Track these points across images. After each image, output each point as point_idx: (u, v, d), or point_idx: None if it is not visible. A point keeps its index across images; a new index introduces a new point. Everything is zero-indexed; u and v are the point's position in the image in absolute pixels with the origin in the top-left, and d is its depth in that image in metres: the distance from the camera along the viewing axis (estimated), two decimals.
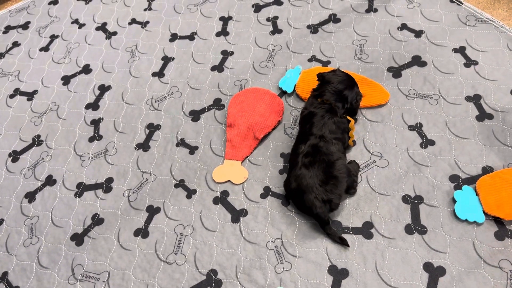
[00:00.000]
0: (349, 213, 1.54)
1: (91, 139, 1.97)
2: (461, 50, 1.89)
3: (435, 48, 1.92)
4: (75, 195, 1.80)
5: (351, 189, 1.53)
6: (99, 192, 1.79)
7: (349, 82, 1.65)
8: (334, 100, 1.60)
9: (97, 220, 1.71)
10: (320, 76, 1.70)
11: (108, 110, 2.05)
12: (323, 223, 1.46)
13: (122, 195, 1.76)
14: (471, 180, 1.53)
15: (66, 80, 2.24)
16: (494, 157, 1.57)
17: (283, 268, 1.47)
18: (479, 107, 1.71)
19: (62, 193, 1.82)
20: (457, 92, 1.76)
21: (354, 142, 1.69)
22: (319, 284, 1.42)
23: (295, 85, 1.90)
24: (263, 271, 1.47)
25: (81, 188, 1.81)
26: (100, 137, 1.96)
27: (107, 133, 1.97)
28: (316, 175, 1.45)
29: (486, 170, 1.55)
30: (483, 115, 1.68)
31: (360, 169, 1.63)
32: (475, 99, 1.73)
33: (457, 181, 1.54)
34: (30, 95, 2.22)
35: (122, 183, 1.79)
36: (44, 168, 1.91)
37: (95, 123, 2.02)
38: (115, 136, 1.95)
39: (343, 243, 1.45)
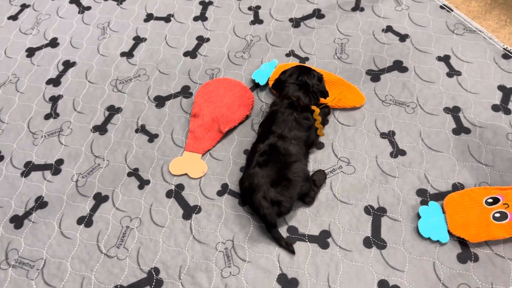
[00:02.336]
0: (308, 220, 1.44)
1: (47, 117, 1.84)
2: (445, 59, 1.79)
3: (419, 54, 1.82)
4: (22, 174, 1.68)
5: (307, 197, 1.43)
6: (47, 173, 1.67)
7: (302, 68, 1.58)
8: (293, 91, 1.50)
9: (40, 203, 1.59)
10: (274, 83, 1.62)
11: (70, 88, 1.93)
12: (269, 225, 1.36)
13: (71, 179, 1.64)
14: (439, 196, 1.44)
15: (30, 52, 2.11)
16: (466, 174, 1.48)
17: (230, 273, 1.36)
18: (457, 120, 1.61)
19: (8, 171, 1.70)
20: (436, 102, 1.67)
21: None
22: None
23: (268, 78, 1.79)
24: (208, 274, 1.37)
25: (29, 168, 1.69)
26: (57, 115, 1.84)
27: (65, 111, 1.85)
28: (268, 175, 1.35)
29: (457, 187, 1.46)
30: (460, 129, 1.59)
31: (327, 175, 1.53)
32: (454, 111, 1.63)
33: (424, 196, 1.45)
34: None
35: (73, 166, 1.67)
36: None
37: (54, 100, 1.89)
38: (73, 115, 1.82)
39: (289, 249, 1.36)
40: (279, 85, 1.61)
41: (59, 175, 1.66)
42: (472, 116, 1.62)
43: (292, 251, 1.37)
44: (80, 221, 1.53)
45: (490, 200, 1.36)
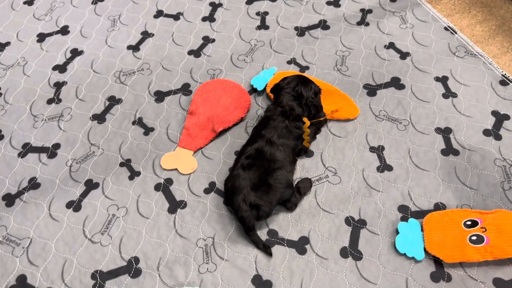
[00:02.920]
0: (288, 225, 1.47)
1: (49, 101, 1.89)
2: (443, 80, 1.81)
3: (417, 73, 1.84)
4: (19, 155, 1.73)
5: (288, 203, 1.46)
6: (43, 156, 1.72)
7: (301, 78, 1.60)
8: (287, 101, 1.53)
9: (33, 184, 1.64)
10: (273, 88, 1.64)
11: (74, 75, 1.98)
12: (247, 228, 1.39)
13: (65, 163, 1.68)
14: (420, 214, 1.46)
15: (41, 37, 2.17)
16: (450, 195, 1.50)
17: (207, 269, 1.40)
18: (447, 141, 1.63)
19: (6, 150, 1.75)
20: (428, 121, 1.69)
21: (313, 138, 1.64)
22: None
23: (266, 84, 1.82)
24: (186, 268, 1.40)
25: (27, 149, 1.74)
26: (59, 100, 1.89)
27: (67, 98, 1.90)
28: (250, 178, 1.39)
29: (438, 206, 1.48)
30: (449, 150, 1.60)
31: (313, 183, 1.55)
32: (445, 132, 1.65)
33: (405, 212, 1.47)
34: (1, 46, 2.14)
35: (68, 151, 1.72)
36: None
37: (58, 86, 1.95)
38: (74, 102, 1.88)
39: (266, 251, 1.39)
40: (276, 91, 1.64)
41: (54, 159, 1.70)
42: (463, 139, 1.63)
43: (269, 254, 1.40)
44: (69, 205, 1.58)
45: (469, 223, 1.38)
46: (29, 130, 1.81)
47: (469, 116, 1.69)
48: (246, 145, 1.52)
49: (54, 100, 1.90)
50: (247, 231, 1.40)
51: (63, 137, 1.77)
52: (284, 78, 1.64)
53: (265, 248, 1.40)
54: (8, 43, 2.16)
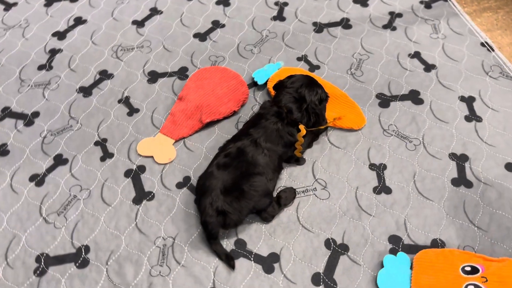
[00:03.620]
0: (260, 237, 1.29)
1: (40, 67, 1.79)
2: (469, 100, 1.58)
3: (441, 89, 1.62)
4: None
5: (264, 213, 1.28)
6: (20, 123, 1.61)
7: (308, 80, 1.40)
8: (287, 101, 1.35)
9: (3, 151, 1.54)
10: (277, 84, 1.45)
11: (72, 44, 1.87)
12: (209, 235, 1.22)
13: (40, 134, 1.57)
14: (413, 249, 1.25)
15: (49, 2, 2.08)
16: (452, 232, 1.28)
17: (160, 272, 1.24)
18: (461, 169, 1.41)
19: None
20: (443, 145, 1.47)
21: (309, 146, 1.45)
22: None
23: (268, 79, 1.65)
24: (137, 267, 1.25)
25: (5, 113, 1.64)
26: (50, 68, 1.78)
27: (59, 66, 1.79)
28: (222, 180, 1.21)
29: (436, 243, 1.26)
30: (461, 180, 1.38)
31: (297, 194, 1.37)
32: (461, 159, 1.43)
33: (397, 244, 1.26)
34: (8, 6, 2.06)
35: (46, 121, 1.60)
36: None
37: (53, 52, 1.84)
38: (65, 72, 1.76)
39: (229, 263, 1.22)
40: (278, 88, 1.46)
41: (30, 127, 1.60)
42: (480, 170, 1.40)
43: (231, 266, 1.22)
44: (32, 178, 1.46)
45: (468, 269, 1.16)
46: (13, 94, 1.70)
47: (492, 146, 1.46)
48: (230, 142, 1.36)
49: (46, 66, 1.79)
50: (209, 239, 1.24)
51: (45, 106, 1.65)
52: (290, 76, 1.46)
53: (228, 260, 1.23)
54: (15, 4, 2.08)
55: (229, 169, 1.24)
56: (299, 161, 1.43)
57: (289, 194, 1.34)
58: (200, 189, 1.26)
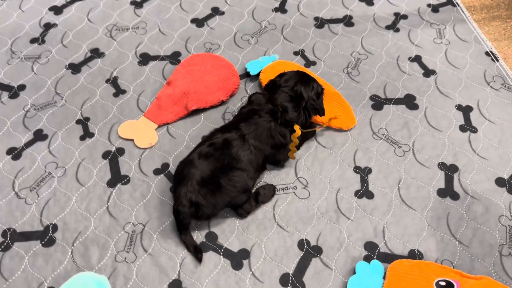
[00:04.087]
0: (233, 231, 1.25)
1: (33, 41, 1.76)
2: (465, 110, 1.52)
3: (438, 95, 1.56)
4: None
5: (240, 209, 1.24)
6: (5, 94, 1.58)
7: (301, 76, 1.35)
8: (282, 100, 1.30)
9: None
10: (268, 84, 1.40)
11: (67, 20, 1.84)
12: (179, 225, 1.18)
13: (23, 107, 1.54)
14: (388, 258, 1.20)
15: None
16: (432, 244, 1.23)
17: (125, 258, 1.20)
18: (449, 180, 1.35)
19: None
20: (434, 153, 1.41)
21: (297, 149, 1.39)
22: None
23: (260, 70, 1.60)
24: (102, 251, 1.22)
25: None
26: (43, 42, 1.75)
27: (51, 41, 1.76)
28: (201, 170, 1.17)
29: (414, 254, 1.21)
30: (447, 191, 1.33)
31: (276, 191, 1.33)
32: (450, 170, 1.37)
33: (372, 252, 1.21)
34: None
35: (31, 95, 1.57)
36: None
37: (47, 27, 1.81)
38: (56, 47, 1.73)
39: (197, 255, 1.19)
40: (272, 88, 1.40)
41: (14, 100, 1.57)
42: (468, 182, 1.35)
43: (199, 259, 1.19)
44: (10, 151, 1.43)
45: (443, 283, 1.11)
46: (2, 65, 1.68)
47: (484, 158, 1.40)
48: (217, 131, 1.31)
49: (38, 40, 1.76)
50: (179, 228, 1.20)
51: (32, 79, 1.62)
52: (282, 74, 1.41)
53: (196, 252, 1.19)
54: None
55: (210, 159, 1.20)
56: (283, 165, 1.38)
57: (268, 192, 1.30)
58: (178, 176, 1.23)
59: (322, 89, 1.40)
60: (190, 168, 1.20)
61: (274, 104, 1.31)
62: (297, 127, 1.29)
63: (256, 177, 1.30)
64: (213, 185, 1.17)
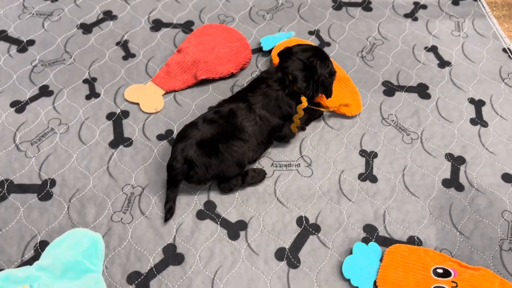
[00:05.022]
0: (232, 202, 1.24)
1: None
2: (478, 104, 1.49)
3: (451, 87, 1.53)
4: None
5: (224, 183, 1.22)
6: (13, 48, 1.56)
7: (318, 51, 1.33)
8: (294, 68, 1.27)
9: None
10: (283, 51, 1.37)
11: None
12: (170, 180, 1.17)
13: (30, 62, 1.52)
14: (387, 242, 1.18)
15: None
16: (432, 232, 1.21)
17: (121, 219, 1.19)
18: (455, 171, 1.33)
19: None
20: (442, 144, 1.39)
21: (302, 128, 1.37)
22: (144, 256, 1.13)
23: (274, 47, 1.57)
24: (99, 210, 1.20)
25: (1, 37, 1.60)
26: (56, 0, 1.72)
27: (64, 0, 1.72)
28: (203, 132, 1.15)
29: (413, 240, 1.19)
30: (452, 182, 1.30)
31: (279, 167, 1.31)
32: (457, 161, 1.35)
33: (371, 234, 1.19)
34: None
35: (40, 51, 1.56)
36: None
37: None
38: (69, 5, 1.71)
39: (166, 214, 1.18)
40: (285, 55, 1.36)
41: (23, 54, 1.55)
42: (474, 175, 1.32)
43: (165, 219, 1.17)
44: (14, 104, 1.41)
45: (440, 271, 1.09)
46: (13, 19, 1.65)
47: (492, 153, 1.38)
48: (224, 102, 1.29)
49: None
50: (169, 184, 1.17)
51: (42, 36, 1.60)
52: (299, 44, 1.38)
53: (168, 211, 1.17)
54: None
55: (214, 125, 1.18)
56: (289, 140, 1.36)
57: (257, 176, 1.27)
58: (179, 135, 1.21)
59: (335, 71, 1.37)
60: (193, 129, 1.18)
61: (285, 72, 1.27)
62: (304, 99, 1.27)
63: (259, 151, 1.27)
64: (211, 148, 1.16)
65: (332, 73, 1.33)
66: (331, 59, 1.41)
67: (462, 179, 1.32)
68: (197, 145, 1.14)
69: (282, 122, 1.28)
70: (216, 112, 1.22)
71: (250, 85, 1.31)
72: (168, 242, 1.16)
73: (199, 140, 1.15)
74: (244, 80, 1.52)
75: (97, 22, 1.66)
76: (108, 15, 1.68)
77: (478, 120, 1.46)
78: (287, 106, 1.26)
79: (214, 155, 1.15)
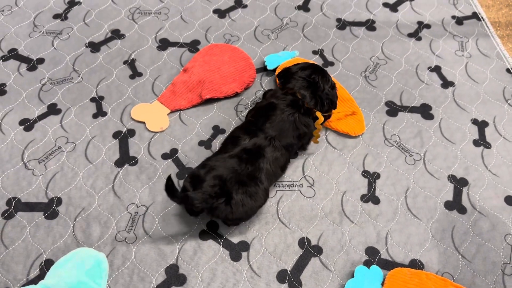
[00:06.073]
0: None
1: (56, 16, 1.77)
2: (481, 125, 1.50)
3: (454, 107, 1.54)
4: (1, 57, 1.63)
5: (224, 217, 1.17)
6: (23, 66, 1.60)
7: (318, 68, 1.35)
8: (300, 87, 1.29)
9: (0, 90, 1.51)
10: (282, 72, 1.39)
11: None
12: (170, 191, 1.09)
13: (40, 80, 1.55)
14: (389, 265, 1.19)
15: None
16: (434, 255, 1.21)
17: (125, 239, 1.20)
18: (458, 193, 1.33)
19: None
20: (445, 165, 1.39)
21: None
22: (146, 277, 1.14)
23: (278, 66, 1.59)
24: (103, 229, 1.22)
25: (11, 55, 1.63)
26: (65, 18, 1.76)
27: (74, 18, 1.77)
28: (237, 174, 1.14)
29: (415, 264, 1.19)
30: (455, 205, 1.31)
31: (281, 187, 1.32)
32: (460, 183, 1.35)
33: (373, 257, 1.20)
34: None
35: (49, 69, 1.59)
36: None
37: (71, 4, 1.82)
38: (78, 24, 1.74)
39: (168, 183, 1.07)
40: (286, 75, 1.38)
41: (32, 73, 1.58)
42: (477, 198, 1.33)
43: (166, 186, 1.06)
44: (22, 122, 1.44)
45: None
46: (23, 37, 1.69)
47: (496, 175, 1.38)
48: (240, 130, 1.26)
49: (61, 16, 1.77)
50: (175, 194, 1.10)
51: (51, 54, 1.64)
52: (297, 64, 1.40)
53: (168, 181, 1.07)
54: None
55: (247, 166, 1.15)
56: (306, 148, 1.38)
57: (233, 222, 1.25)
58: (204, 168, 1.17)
59: (334, 84, 1.39)
60: (226, 166, 1.15)
61: (293, 94, 1.29)
62: (319, 113, 1.28)
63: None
64: (224, 192, 1.11)
65: (333, 86, 1.36)
66: (334, 79, 1.43)
67: (464, 201, 1.32)
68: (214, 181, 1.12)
69: (298, 143, 1.29)
70: (246, 152, 1.18)
71: (263, 113, 1.28)
72: (171, 263, 1.17)
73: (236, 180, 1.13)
74: (248, 99, 1.54)
75: (105, 41, 1.69)
76: (116, 34, 1.71)
77: (481, 142, 1.46)
78: (304, 125, 1.27)
79: (227, 202, 1.11)
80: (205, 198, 1.07)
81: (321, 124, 1.31)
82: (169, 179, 1.05)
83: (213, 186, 1.10)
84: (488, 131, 1.49)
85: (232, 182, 1.11)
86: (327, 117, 1.39)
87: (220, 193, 1.10)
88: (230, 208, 1.10)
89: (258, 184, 1.14)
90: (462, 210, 1.30)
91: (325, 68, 1.60)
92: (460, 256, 1.22)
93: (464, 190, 1.35)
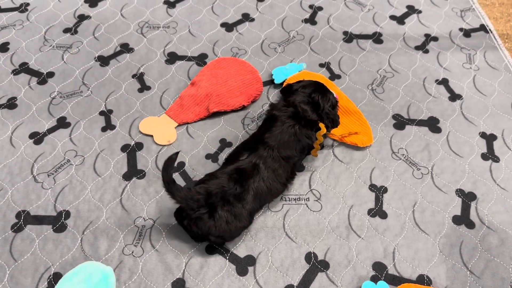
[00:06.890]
0: (241, 237, 1.25)
1: (66, 30, 1.80)
2: (489, 138, 1.49)
3: (462, 121, 1.54)
4: (13, 71, 1.65)
5: (214, 238, 1.20)
6: (34, 80, 1.62)
7: (319, 86, 1.35)
8: (301, 101, 1.30)
9: (11, 103, 1.55)
10: (285, 87, 1.40)
11: (101, 13, 1.87)
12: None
13: (49, 94, 1.57)
14: (396, 281, 1.18)
15: None
16: (442, 271, 1.20)
17: (132, 252, 1.21)
18: (466, 208, 1.32)
19: (4, 64, 1.68)
20: (453, 179, 1.39)
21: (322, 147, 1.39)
22: None
23: (286, 79, 1.60)
24: (111, 242, 1.23)
25: (22, 69, 1.66)
26: (75, 32, 1.79)
27: (83, 32, 1.80)
28: (227, 188, 1.16)
29: (422, 279, 1.18)
30: (463, 219, 1.30)
31: (288, 201, 1.32)
32: (468, 197, 1.34)
33: (380, 272, 1.19)
34: None
35: (58, 83, 1.61)
36: (9, 33, 1.78)
37: (81, 18, 1.85)
38: (88, 38, 1.77)
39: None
40: (288, 92, 1.39)
41: (42, 86, 1.61)
42: (485, 212, 1.32)
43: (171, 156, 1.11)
44: (32, 135, 1.46)
45: None
46: (34, 51, 1.72)
47: (504, 189, 1.37)
48: (241, 146, 1.30)
49: (71, 30, 1.80)
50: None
51: (61, 68, 1.66)
52: (299, 81, 1.41)
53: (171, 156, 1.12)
54: None
55: (238, 185, 1.18)
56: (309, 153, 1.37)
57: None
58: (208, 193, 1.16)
59: (337, 101, 1.39)
60: (220, 184, 1.17)
61: (294, 105, 1.29)
62: (322, 125, 1.29)
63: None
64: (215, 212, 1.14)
65: (334, 105, 1.36)
66: (341, 92, 1.43)
67: (473, 216, 1.31)
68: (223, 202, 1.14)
69: (300, 156, 1.30)
70: (238, 171, 1.20)
71: (265, 125, 1.32)
72: (178, 277, 1.18)
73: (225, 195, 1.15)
74: (255, 112, 1.55)
75: (114, 55, 1.71)
76: (125, 48, 1.73)
77: (490, 155, 1.45)
78: (306, 137, 1.28)
79: (215, 220, 1.14)
80: (188, 196, 1.10)
81: (323, 135, 1.31)
82: (175, 154, 1.11)
83: (198, 193, 1.12)
84: (497, 144, 1.48)
85: (218, 198, 1.13)
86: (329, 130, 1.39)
87: (203, 203, 1.12)
88: (213, 222, 1.12)
89: (243, 206, 1.16)
90: (471, 225, 1.29)
91: (332, 81, 1.61)
92: (468, 272, 1.20)
93: (473, 204, 1.34)
